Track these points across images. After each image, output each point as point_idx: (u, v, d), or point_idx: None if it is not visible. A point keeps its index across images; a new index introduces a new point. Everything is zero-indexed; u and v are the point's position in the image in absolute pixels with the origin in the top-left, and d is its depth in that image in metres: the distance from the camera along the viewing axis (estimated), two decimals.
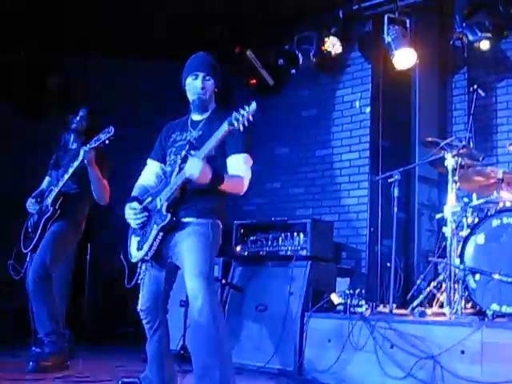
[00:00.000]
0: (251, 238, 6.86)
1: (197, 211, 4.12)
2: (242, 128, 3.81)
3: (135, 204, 4.23)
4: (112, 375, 5.33)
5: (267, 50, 8.37)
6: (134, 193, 4.42)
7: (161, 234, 4.07)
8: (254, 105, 3.80)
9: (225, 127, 3.85)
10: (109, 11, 8.03)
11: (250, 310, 6.45)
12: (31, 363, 5.29)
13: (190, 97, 4.39)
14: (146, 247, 4.11)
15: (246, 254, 6.82)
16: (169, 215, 4.04)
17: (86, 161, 5.41)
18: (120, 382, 4.60)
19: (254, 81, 8.51)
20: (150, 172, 4.51)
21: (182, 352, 6.32)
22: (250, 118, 3.80)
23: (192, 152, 4.08)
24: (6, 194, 8.71)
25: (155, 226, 4.09)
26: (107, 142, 5.30)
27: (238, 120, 3.78)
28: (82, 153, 5.41)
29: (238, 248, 6.88)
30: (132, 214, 4.21)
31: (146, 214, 4.18)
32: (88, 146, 5.38)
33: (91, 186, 5.58)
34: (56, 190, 5.60)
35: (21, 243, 5.78)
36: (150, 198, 4.26)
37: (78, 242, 5.91)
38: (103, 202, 5.71)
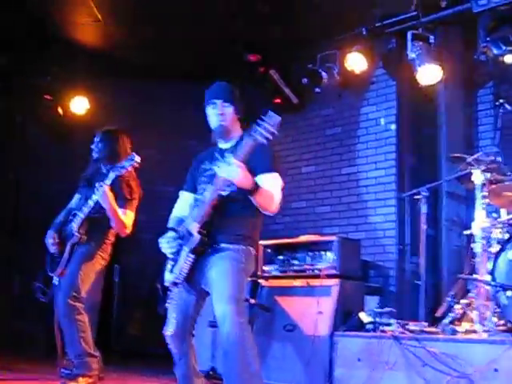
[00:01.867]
0: (278, 257, 6.84)
1: (230, 237, 4.12)
2: (264, 140, 3.78)
3: (170, 233, 4.23)
4: None
5: (291, 69, 8.39)
6: (170, 225, 4.43)
7: (191, 255, 4.05)
8: (272, 115, 3.77)
9: (249, 140, 3.83)
10: (131, 34, 8.13)
11: (278, 330, 6.42)
12: None
13: (212, 125, 4.39)
14: (176, 270, 4.10)
15: (273, 273, 6.79)
16: (199, 236, 4.03)
17: (100, 199, 5.41)
18: None
19: (278, 100, 8.51)
20: (184, 203, 4.50)
21: (211, 373, 6.30)
22: (272, 129, 3.76)
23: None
24: (34, 218, 8.80)
25: (185, 248, 4.08)
26: (130, 169, 5.30)
27: (261, 134, 3.75)
28: (96, 191, 5.40)
29: (266, 268, 6.86)
30: (165, 242, 4.21)
31: (179, 241, 4.17)
32: (104, 181, 5.35)
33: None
34: (81, 215, 5.60)
35: (47, 266, 5.80)
36: (184, 224, 4.27)
37: (106, 264, 5.91)
38: (122, 234, 5.70)
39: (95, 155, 5.85)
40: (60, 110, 9.04)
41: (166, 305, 4.21)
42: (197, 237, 4.04)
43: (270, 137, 3.78)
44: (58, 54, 8.43)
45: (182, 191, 4.58)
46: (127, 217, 5.60)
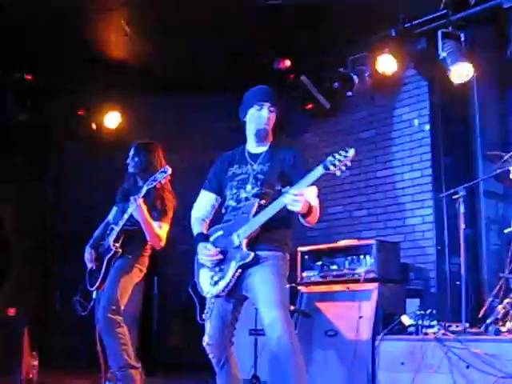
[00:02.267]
0: (317, 263, 6.81)
1: (268, 244, 4.14)
2: (339, 173, 3.80)
3: (210, 246, 4.23)
4: None
5: (321, 74, 8.37)
6: (197, 228, 4.43)
7: (239, 270, 4.07)
8: (352, 151, 3.79)
9: (320, 170, 3.84)
10: (161, 48, 8.19)
11: (319, 336, 6.39)
12: None
13: (254, 127, 4.37)
14: (222, 284, 4.11)
15: (312, 279, 6.77)
16: (251, 254, 4.05)
17: (134, 212, 5.44)
18: None
19: (310, 106, 8.50)
20: (205, 203, 4.51)
21: (254, 381, 6.29)
22: (348, 163, 3.78)
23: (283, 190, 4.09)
24: (72, 233, 8.89)
25: (234, 263, 4.08)
26: (163, 181, 5.32)
27: (334, 165, 3.78)
28: (130, 204, 5.43)
29: (305, 274, 6.83)
30: (206, 254, 4.21)
31: (221, 256, 4.17)
32: (137, 195, 5.39)
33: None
34: (117, 229, 5.64)
35: (86, 281, 5.84)
36: (220, 232, 4.26)
37: (144, 277, 5.93)
38: (157, 247, 5.71)
39: (131, 169, 5.88)
40: (94, 126, 9.13)
41: (204, 314, 4.22)
42: (250, 254, 4.05)
43: (344, 169, 3.81)
44: (90, 70, 8.52)
45: (203, 190, 4.57)
46: (162, 229, 5.61)
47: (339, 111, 8.59)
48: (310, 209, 4.02)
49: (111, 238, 5.63)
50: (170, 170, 5.23)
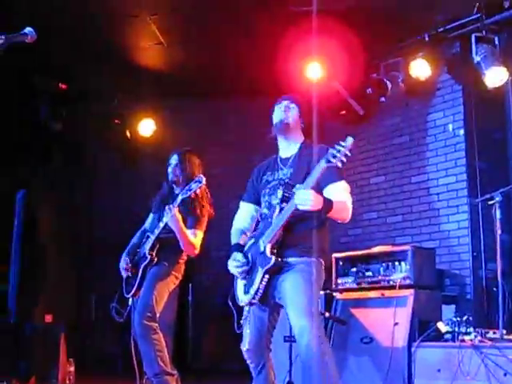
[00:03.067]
0: (352, 269, 6.79)
1: (300, 250, 4.13)
2: (340, 164, 3.80)
3: (239, 256, 4.25)
4: None
5: (355, 80, 8.35)
6: (234, 239, 4.46)
7: (266, 276, 4.07)
8: (350, 140, 3.79)
9: (322, 165, 3.85)
10: (193, 54, 8.25)
11: (355, 343, 6.36)
12: None
13: (274, 122, 4.42)
14: (252, 291, 4.12)
15: (347, 285, 6.75)
16: (273, 258, 4.04)
17: (169, 221, 5.47)
18: None
19: (344, 112, 8.48)
20: (245, 214, 4.54)
21: None
22: (348, 153, 3.79)
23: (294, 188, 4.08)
24: (107, 240, 8.96)
25: (260, 269, 4.09)
26: (198, 191, 5.34)
27: (335, 156, 3.78)
28: (165, 214, 5.46)
29: (340, 280, 6.82)
30: (235, 265, 4.23)
31: (248, 267, 4.20)
32: (172, 205, 5.41)
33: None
34: (152, 237, 5.68)
35: (123, 288, 5.89)
36: (252, 240, 4.29)
37: (180, 284, 5.96)
38: (191, 254, 5.73)
39: (170, 177, 5.90)
40: (128, 133, 9.18)
41: (241, 321, 4.23)
42: (272, 258, 4.05)
43: (345, 160, 3.81)
44: (123, 78, 8.59)
45: (242, 202, 4.61)
46: (196, 237, 5.63)
47: (373, 117, 8.57)
48: (327, 205, 3.99)
49: (147, 246, 5.68)
50: (204, 180, 5.24)
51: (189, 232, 5.57)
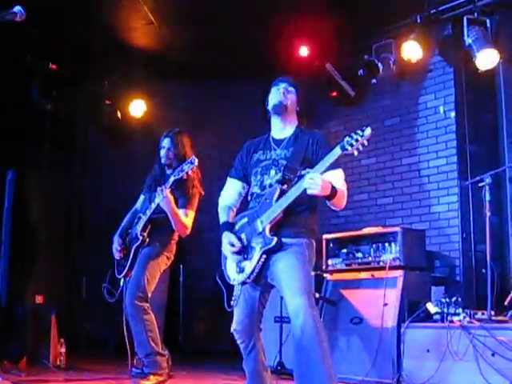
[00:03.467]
0: (342, 250, 6.82)
1: (294, 231, 4.15)
2: (356, 153, 3.81)
3: (233, 238, 4.25)
4: None
5: (346, 62, 8.34)
6: (224, 216, 4.46)
7: (264, 256, 4.08)
8: (368, 130, 3.80)
9: (337, 151, 3.87)
10: (186, 35, 8.21)
11: (345, 323, 6.40)
12: None
13: (271, 103, 4.41)
14: (248, 270, 4.13)
15: (337, 267, 6.78)
16: (275, 239, 4.06)
17: (161, 202, 5.48)
18: None
19: (335, 93, 8.48)
20: (232, 191, 4.53)
21: (279, 368, 6.32)
22: (365, 143, 3.81)
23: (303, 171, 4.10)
24: (98, 222, 8.96)
25: (258, 249, 4.10)
26: (190, 172, 5.34)
27: (351, 145, 3.80)
28: (157, 195, 5.47)
29: (330, 261, 6.85)
30: (229, 246, 4.23)
31: (241, 247, 4.19)
32: (164, 186, 5.42)
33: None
34: (144, 218, 5.69)
35: (114, 269, 5.90)
36: (245, 219, 4.28)
37: (171, 265, 5.97)
38: (182, 235, 5.76)
39: (163, 159, 5.89)
40: (119, 114, 9.14)
41: (232, 302, 4.24)
42: (273, 239, 4.06)
43: (361, 149, 3.85)
44: (114, 58, 8.55)
45: (230, 177, 4.59)
46: (188, 217, 5.65)
47: (364, 99, 8.56)
48: (333, 191, 4.02)
49: (139, 227, 5.69)
50: (196, 161, 5.24)
51: (180, 212, 5.58)
